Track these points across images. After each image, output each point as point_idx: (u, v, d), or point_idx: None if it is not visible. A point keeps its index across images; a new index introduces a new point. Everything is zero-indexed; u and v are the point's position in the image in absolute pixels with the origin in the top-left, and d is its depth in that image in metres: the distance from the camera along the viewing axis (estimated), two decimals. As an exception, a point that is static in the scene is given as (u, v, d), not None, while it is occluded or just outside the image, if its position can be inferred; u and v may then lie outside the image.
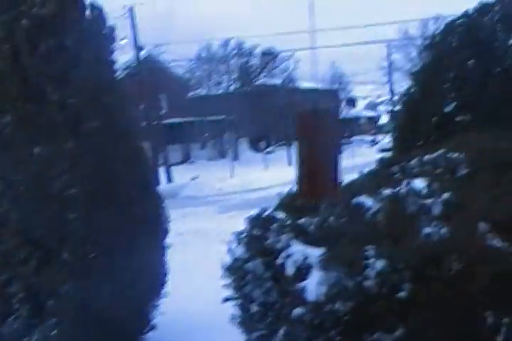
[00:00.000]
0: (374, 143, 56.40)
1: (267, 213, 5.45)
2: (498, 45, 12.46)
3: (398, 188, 5.56)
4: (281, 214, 5.35)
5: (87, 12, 7.77)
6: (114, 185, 7.46)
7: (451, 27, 13.80)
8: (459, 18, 13.75)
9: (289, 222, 5.09)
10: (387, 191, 5.55)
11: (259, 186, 33.72)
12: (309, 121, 2.17)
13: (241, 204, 26.15)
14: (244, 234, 5.21)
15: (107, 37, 8.17)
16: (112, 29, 8.34)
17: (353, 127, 71.27)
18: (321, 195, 2.32)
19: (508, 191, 5.41)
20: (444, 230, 4.78)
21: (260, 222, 5.26)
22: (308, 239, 4.85)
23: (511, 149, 7.03)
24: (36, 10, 7.11)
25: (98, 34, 7.94)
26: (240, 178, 36.36)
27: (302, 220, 5.10)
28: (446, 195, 5.27)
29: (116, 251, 7.32)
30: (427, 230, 4.82)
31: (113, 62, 8.41)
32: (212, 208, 26.16)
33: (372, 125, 76.20)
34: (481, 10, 13.15)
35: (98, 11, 7.95)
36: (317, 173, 2.14)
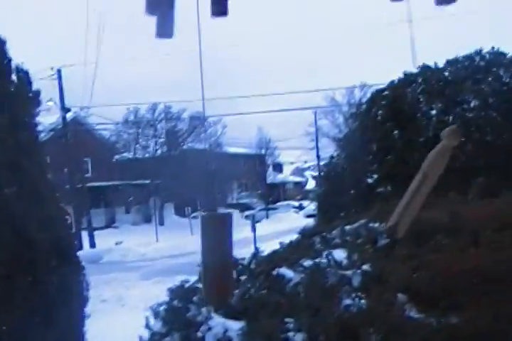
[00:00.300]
0: (300, 208, 56.80)
1: (188, 284, 5.38)
2: (420, 116, 12.96)
3: (319, 259, 5.60)
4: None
5: (13, 76, 7.69)
6: (30, 252, 7.23)
7: (376, 98, 14.28)
8: (384, 89, 14.27)
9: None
10: (308, 262, 5.58)
11: (184, 251, 33.31)
12: (214, 223, 2.19)
13: (165, 269, 25.72)
14: (164, 307, 5.12)
15: (31, 100, 8.08)
16: (38, 93, 8.26)
17: (280, 192, 71.89)
18: (223, 297, 2.29)
19: (425, 262, 5.52)
20: (363, 301, 4.81)
21: (181, 294, 5.18)
22: (229, 311, 4.80)
23: (430, 220, 7.21)
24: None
25: (21, 97, 7.84)
26: (165, 243, 35.89)
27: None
28: (365, 267, 5.34)
29: (30, 323, 7.04)
30: (347, 301, 4.85)
31: (35, 125, 8.27)
32: (136, 274, 25.62)
33: (299, 190, 77.00)
34: (405, 81, 13.70)
35: (24, 75, 7.88)
36: (220, 277, 2.14)
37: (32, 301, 6.98)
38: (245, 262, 6.08)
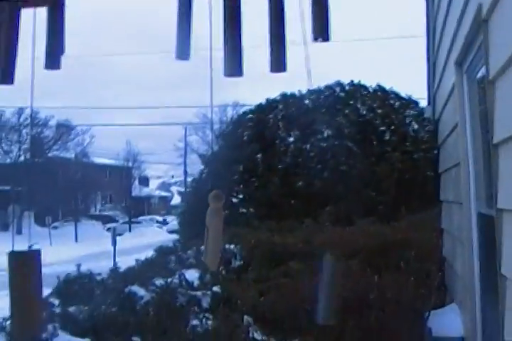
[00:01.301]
0: (164, 223, 56.50)
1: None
2: (278, 142, 13.35)
3: (171, 279, 5.69)
4: (55, 301, 5.26)
5: None
6: None
7: (242, 119, 14.59)
8: (250, 111, 14.60)
9: (59, 310, 5.00)
10: (160, 281, 5.66)
11: (43, 262, 32.28)
12: (21, 262, 2.24)
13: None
14: (8, 322, 5.02)
15: None
16: None
17: (145, 206, 71.21)
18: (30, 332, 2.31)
19: (273, 285, 5.73)
20: (210, 322, 4.94)
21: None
22: (76, 328, 4.79)
23: (284, 245, 7.49)
24: None
25: None
26: (21, 253, 34.77)
27: (73, 308, 5.04)
28: (216, 288, 5.48)
29: None
30: (194, 322, 4.96)
31: None
32: (-12, 284, 24.66)
33: (164, 205, 76.60)
34: (268, 106, 14.08)
35: None
36: (27, 313, 2.17)
37: None
38: (100, 278, 6.08)
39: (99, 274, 6.02)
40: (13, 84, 2.16)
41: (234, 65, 2.34)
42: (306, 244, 7.59)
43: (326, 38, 2.41)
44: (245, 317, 5.03)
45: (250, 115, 13.51)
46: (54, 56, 2.20)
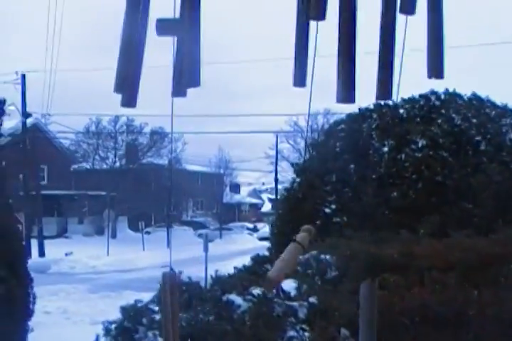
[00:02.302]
0: (255, 230, 56.90)
1: (141, 304, 5.45)
2: (372, 152, 13.21)
3: (268, 288, 5.72)
4: (155, 307, 5.37)
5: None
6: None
7: (333, 129, 14.54)
8: (341, 121, 14.54)
9: (158, 318, 5.10)
10: (257, 290, 5.70)
11: (134, 266, 33.15)
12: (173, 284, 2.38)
13: (114, 284, 25.53)
14: (115, 325, 5.18)
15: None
16: (2, 102, 8.30)
17: (236, 213, 71.89)
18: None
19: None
20: (307, 334, 4.94)
21: (132, 314, 5.25)
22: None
23: (380, 256, 7.40)
24: None
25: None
26: (116, 257, 35.62)
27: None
28: (312, 299, 5.47)
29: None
30: (291, 333, 4.97)
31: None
32: (84, 287, 25.37)
33: (254, 212, 77.15)
34: (361, 116, 13.95)
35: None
36: None
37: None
38: (198, 286, 6.17)
39: (197, 282, 6.11)
40: (135, 107, 2.23)
41: (347, 91, 2.34)
42: (403, 256, 7.48)
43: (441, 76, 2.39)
44: (342, 329, 5.00)
45: (342, 125, 13.43)
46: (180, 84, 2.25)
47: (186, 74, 2.24)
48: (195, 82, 2.25)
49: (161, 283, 2.33)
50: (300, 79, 2.41)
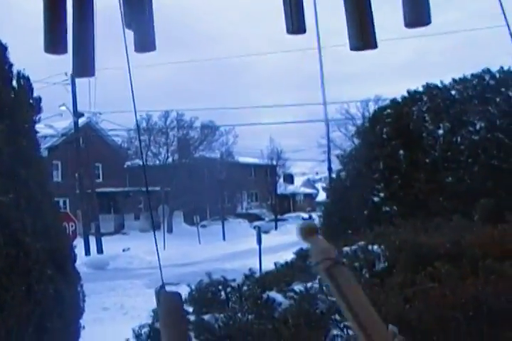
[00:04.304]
0: (310, 219, 56.60)
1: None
2: (426, 135, 12.75)
3: (311, 283, 5.43)
4: (189, 308, 5.15)
5: (14, 82, 7.60)
6: (26, 261, 7.12)
7: (379, 115, 14.08)
8: (386, 106, 14.06)
9: (193, 318, 4.88)
10: (299, 286, 5.41)
11: (192, 260, 33.22)
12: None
13: (171, 278, 25.53)
14: (147, 329, 4.97)
15: (32, 107, 7.98)
16: (38, 99, 8.17)
17: (291, 203, 71.62)
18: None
19: (420, 291, 5.34)
20: (351, 332, 4.64)
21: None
22: (211, 337, 4.64)
23: (430, 245, 7.03)
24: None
25: (21, 104, 7.74)
26: (173, 251, 35.77)
27: (207, 316, 4.90)
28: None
29: (24, 332, 6.91)
30: (335, 331, 4.68)
31: (35, 133, 8.19)
32: (142, 282, 25.49)
33: (309, 202, 76.77)
34: (410, 99, 13.49)
35: (25, 81, 7.80)
36: None
37: (26, 310, 6.88)
38: (235, 284, 5.92)
39: (234, 280, 5.85)
40: (94, 76, 1.94)
41: (365, 36, 1.91)
42: (455, 245, 7.09)
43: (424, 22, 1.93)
44: (390, 326, 4.65)
45: (388, 110, 12.99)
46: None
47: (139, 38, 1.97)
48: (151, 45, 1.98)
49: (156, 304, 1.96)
50: (298, 23, 1.98)
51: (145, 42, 2.00)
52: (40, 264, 7.39)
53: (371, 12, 1.88)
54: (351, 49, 1.86)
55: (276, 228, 49.94)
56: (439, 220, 8.81)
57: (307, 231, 1.87)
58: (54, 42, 1.89)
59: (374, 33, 1.87)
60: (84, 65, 1.88)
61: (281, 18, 1.97)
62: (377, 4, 1.93)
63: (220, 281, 5.68)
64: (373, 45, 1.87)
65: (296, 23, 1.93)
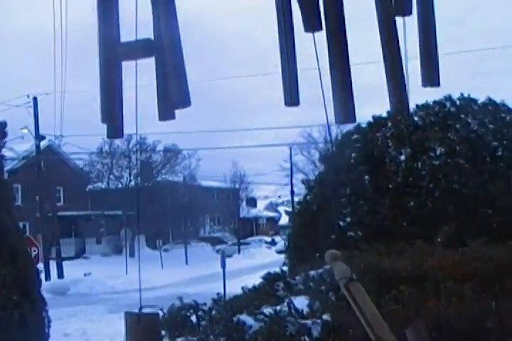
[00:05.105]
0: (273, 243, 56.68)
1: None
2: (389, 161, 12.99)
3: (280, 306, 5.57)
4: (162, 331, 5.23)
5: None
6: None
7: (347, 140, 14.30)
8: (353, 131, 14.28)
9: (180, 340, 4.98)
10: (268, 309, 5.55)
11: (154, 285, 32.98)
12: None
13: (134, 303, 25.26)
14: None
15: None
16: (3, 124, 8.24)
17: (253, 227, 71.63)
18: None
19: (385, 313, 5.50)
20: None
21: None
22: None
23: (394, 269, 7.24)
24: None
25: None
26: (135, 276, 35.52)
27: (180, 339, 5.00)
28: (326, 316, 5.31)
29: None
30: (305, 353, 4.82)
31: (1, 157, 8.23)
32: (104, 307, 25.24)
33: (272, 225, 76.85)
34: (375, 125, 13.72)
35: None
36: None
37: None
38: (206, 307, 6.03)
39: (205, 304, 5.95)
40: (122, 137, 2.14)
41: (346, 112, 2.20)
42: (417, 268, 7.30)
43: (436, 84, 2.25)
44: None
45: (355, 135, 13.23)
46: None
47: (174, 95, 2.12)
48: (185, 101, 2.13)
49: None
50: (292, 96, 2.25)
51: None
52: (5, 290, 7.38)
53: (352, 90, 2.18)
54: (336, 123, 2.20)
55: (239, 252, 49.92)
56: (402, 245, 9.03)
57: (332, 257, 2.33)
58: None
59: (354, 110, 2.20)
60: (115, 130, 2.06)
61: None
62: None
63: (191, 305, 5.78)
64: (354, 119, 2.21)
65: (294, 96, 2.21)
